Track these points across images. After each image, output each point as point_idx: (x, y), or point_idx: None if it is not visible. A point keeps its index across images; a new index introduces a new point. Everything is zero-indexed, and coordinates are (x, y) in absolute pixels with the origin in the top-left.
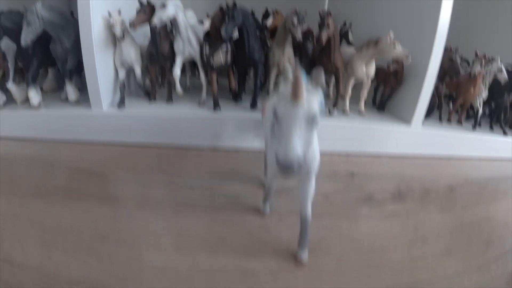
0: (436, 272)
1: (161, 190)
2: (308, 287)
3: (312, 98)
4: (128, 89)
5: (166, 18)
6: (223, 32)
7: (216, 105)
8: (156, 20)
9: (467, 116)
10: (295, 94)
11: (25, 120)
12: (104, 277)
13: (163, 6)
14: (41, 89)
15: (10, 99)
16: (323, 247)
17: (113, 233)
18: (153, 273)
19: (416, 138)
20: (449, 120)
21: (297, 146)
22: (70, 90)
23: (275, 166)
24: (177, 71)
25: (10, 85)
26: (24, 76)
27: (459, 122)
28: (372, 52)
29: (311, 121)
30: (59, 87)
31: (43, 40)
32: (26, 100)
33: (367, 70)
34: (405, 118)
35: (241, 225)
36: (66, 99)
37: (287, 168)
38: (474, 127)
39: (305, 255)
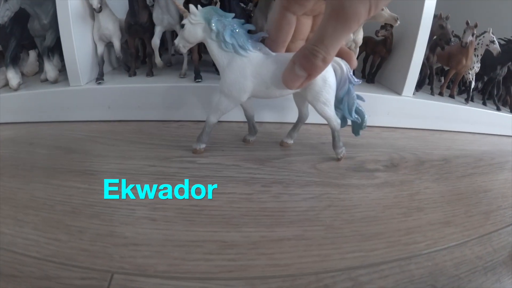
0: (436, 243)
1: (139, 163)
2: (294, 259)
3: None
4: (110, 65)
5: None
6: None
7: (197, 76)
8: None
9: (458, 91)
10: None
11: (4, 103)
12: (73, 253)
13: None
14: (22, 74)
15: None
16: (311, 217)
17: (86, 208)
18: (125, 247)
19: (407, 108)
20: (440, 93)
21: None
22: (49, 68)
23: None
24: (156, 40)
25: None
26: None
27: (451, 96)
28: None
29: None
30: (41, 70)
31: (21, 18)
32: (6, 84)
33: (354, 37)
34: (395, 88)
35: (220, 194)
36: (46, 80)
37: None
38: (466, 100)
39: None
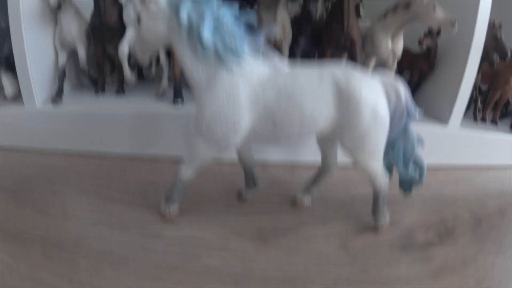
0: None
1: (83, 232)
2: None
3: None
4: (77, 79)
5: None
6: None
7: (177, 96)
8: None
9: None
10: None
11: None
12: None
13: None
14: None
15: None
16: None
17: None
18: None
19: (453, 142)
20: (483, 119)
21: None
22: (6, 83)
23: None
24: (124, 48)
25: None
26: None
27: (494, 121)
28: (401, 19)
29: None
30: None
31: None
32: None
33: (393, 46)
34: (439, 115)
35: None
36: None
37: None
38: None
39: None
